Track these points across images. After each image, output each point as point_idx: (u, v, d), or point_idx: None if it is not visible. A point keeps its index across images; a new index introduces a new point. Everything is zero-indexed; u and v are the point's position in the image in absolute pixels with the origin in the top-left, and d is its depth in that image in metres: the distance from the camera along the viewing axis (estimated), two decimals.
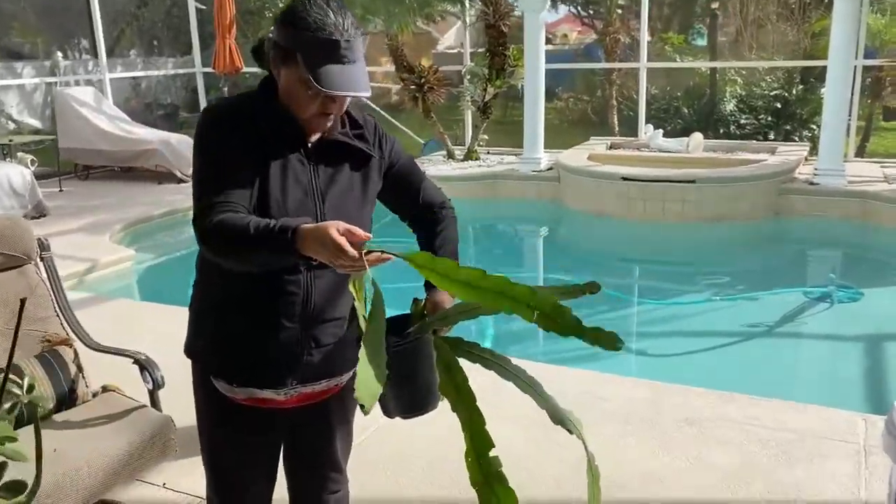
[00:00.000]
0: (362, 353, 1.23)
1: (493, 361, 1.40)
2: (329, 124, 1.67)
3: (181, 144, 9.36)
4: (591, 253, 7.72)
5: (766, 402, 3.44)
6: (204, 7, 11.45)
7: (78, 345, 2.75)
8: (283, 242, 1.42)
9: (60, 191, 9.09)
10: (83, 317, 2.99)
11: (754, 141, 10.70)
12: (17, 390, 1.13)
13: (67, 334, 2.75)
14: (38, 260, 2.79)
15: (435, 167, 9.27)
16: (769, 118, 12.52)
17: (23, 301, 0.89)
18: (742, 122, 12.66)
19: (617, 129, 13.98)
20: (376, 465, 2.96)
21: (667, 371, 4.55)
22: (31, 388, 1.11)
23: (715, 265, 7.02)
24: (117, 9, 13.10)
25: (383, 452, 3.02)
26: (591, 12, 17.66)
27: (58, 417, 2.51)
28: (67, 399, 2.57)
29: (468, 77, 9.92)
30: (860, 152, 10.49)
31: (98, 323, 3.79)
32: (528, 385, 1.37)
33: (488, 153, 10.25)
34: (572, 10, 17.95)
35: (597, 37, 17.04)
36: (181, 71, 13.22)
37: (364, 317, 1.52)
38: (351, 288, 1.45)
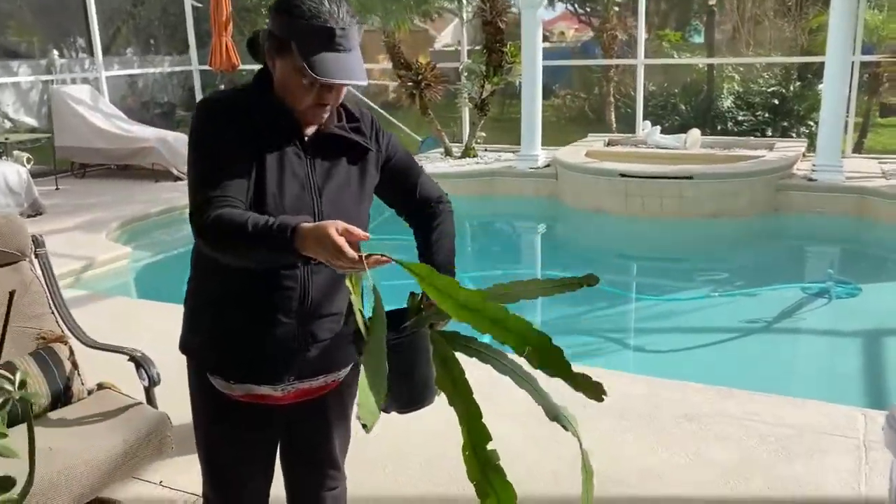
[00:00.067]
0: (362, 375, 1.22)
1: (489, 356, 1.38)
2: (325, 116, 1.65)
3: (178, 142, 9.33)
4: (589, 250, 7.71)
5: (766, 397, 3.43)
6: (200, 5, 11.42)
7: (73, 342, 2.74)
8: (282, 241, 1.40)
9: (57, 189, 9.07)
10: (80, 315, 2.98)
11: (752, 137, 10.70)
12: (8, 386, 1.12)
13: (62, 331, 2.73)
14: (33, 257, 2.77)
15: (432, 164, 9.26)
16: (766, 115, 12.53)
17: (11, 294, 0.87)
18: (739, 118, 12.67)
19: (614, 126, 13.98)
20: (374, 462, 2.94)
21: (665, 367, 4.54)
22: (22, 383, 1.09)
23: (713, 261, 7.02)
24: (113, 6, 13.05)
25: (381, 449, 3.00)
26: (588, 10, 17.64)
27: (53, 415, 2.49)
28: (63, 396, 2.55)
29: (465, 74, 9.91)
30: (858, 148, 10.49)
31: (95, 321, 3.77)
32: (525, 380, 1.35)
33: (486, 150, 10.24)
34: (569, 7, 17.93)
35: (594, 34, 17.02)
36: (178, 69, 13.19)
37: (360, 311, 1.50)
38: (347, 283, 1.43)
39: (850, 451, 2.97)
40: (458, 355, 1.39)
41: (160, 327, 3.50)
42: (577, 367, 3.78)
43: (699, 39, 16.94)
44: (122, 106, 11.44)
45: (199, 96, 12.05)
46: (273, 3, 1.60)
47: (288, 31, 1.55)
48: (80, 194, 8.82)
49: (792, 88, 12.82)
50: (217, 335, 1.74)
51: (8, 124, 11.21)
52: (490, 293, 1.42)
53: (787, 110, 12.51)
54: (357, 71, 1.55)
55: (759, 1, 14.62)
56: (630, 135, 9.91)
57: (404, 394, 1.42)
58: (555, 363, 1.20)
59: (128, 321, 4.66)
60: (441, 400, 1.39)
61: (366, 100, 12.08)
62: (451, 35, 19.23)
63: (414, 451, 3.03)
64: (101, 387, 2.69)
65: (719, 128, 12.41)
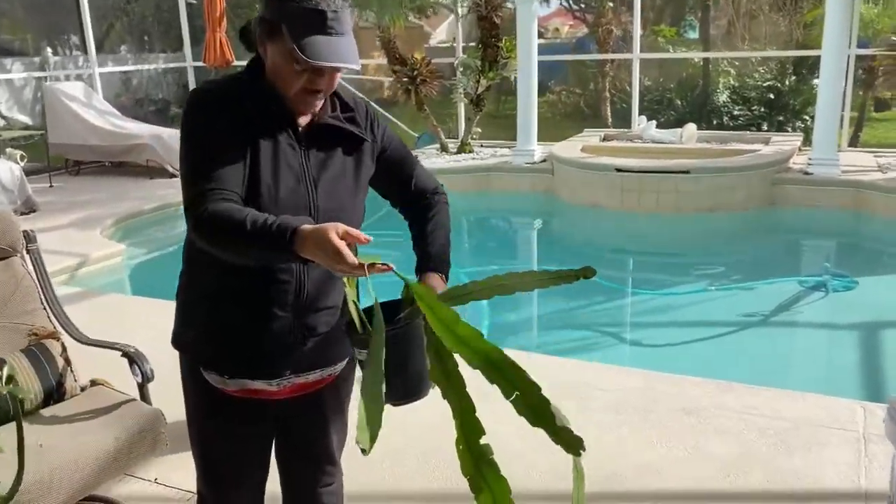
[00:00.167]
0: (361, 401, 1.22)
1: None
2: (318, 103, 1.62)
3: (172, 139, 9.29)
4: (586, 245, 7.69)
5: (764, 390, 3.42)
6: (194, 1, 11.37)
7: (66, 338, 2.71)
8: (281, 243, 1.37)
9: (51, 186, 9.03)
10: (74, 312, 2.95)
11: (748, 132, 10.69)
12: None
13: (55, 327, 2.70)
14: (25, 252, 2.74)
15: (428, 160, 9.23)
16: (762, 109, 12.52)
17: None
18: (735, 113, 12.65)
19: (610, 121, 13.96)
20: (371, 456, 2.91)
21: (662, 361, 4.53)
22: (9, 379, 1.07)
23: (710, 255, 7.01)
24: (106, 3, 13.00)
25: (377, 443, 2.97)
26: (583, 6, 17.61)
27: (45, 412, 2.47)
28: (55, 393, 2.52)
29: (461, 69, 9.88)
30: (854, 142, 10.48)
31: (89, 318, 3.75)
32: None
33: (482, 146, 10.22)
34: (564, 3, 17.89)
35: (589, 30, 16.99)
36: (171, 65, 13.14)
37: (355, 302, 1.48)
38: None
39: (850, 443, 2.95)
40: None
41: (155, 324, 3.47)
42: (574, 360, 3.76)
43: (694, 35, 16.93)
44: (117, 104, 11.39)
45: None
46: None
47: (279, 14, 1.52)
48: (74, 191, 8.78)
49: (787, 83, 12.81)
50: (211, 329, 1.71)
51: (1, 122, 11.15)
52: (486, 284, 1.41)
53: (783, 105, 12.50)
54: (349, 55, 1.52)
55: None
56: (626, 130, 9.88)
57: (399, 386, 1.40)
58: (539, 413, 1.20)
59: (122, 318, 4.63)
60: (436, 392, 1.37)
61: (361, 95, 12.04)
62: (447, 32, 19.19)
63: (410, 444, 3.01)
64: (94, 383, 2.67)
65: (715, 122, 12.40)
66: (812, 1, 12.86)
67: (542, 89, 12.70)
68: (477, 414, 1.24)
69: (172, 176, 8.98)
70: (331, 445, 1.93)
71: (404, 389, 1.42)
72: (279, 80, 1.57)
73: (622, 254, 7.28)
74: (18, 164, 7.76)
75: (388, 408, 1.32)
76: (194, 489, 1.95)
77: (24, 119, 11.43)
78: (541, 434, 1.20)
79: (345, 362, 1.83)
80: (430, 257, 1.74)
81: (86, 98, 10.01)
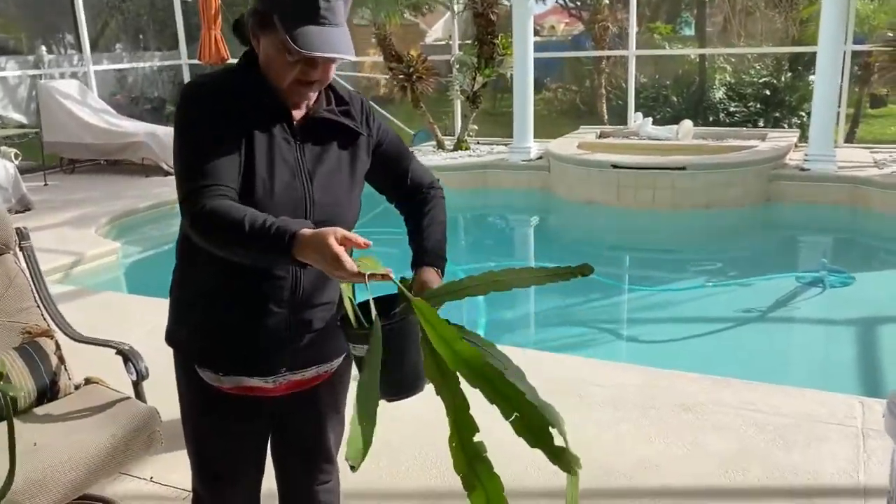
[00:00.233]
0: (355, 408, 1.21)
1: (477, 345, 1.34)
2: (312, 95, 1.60)
3: (167, 137, 9.24)
4: (582, 241, 7.68)
5: (762, 386, 3.41)
6: None
7: (59, 336, 2.69)
8: (280, 246, 1.35)
9: (45, 185, 9.00)
10: (69, 310, 2.93)
11: (744, 128, 10.69)
12: None
13: (48, 325, 2.68)
14: (17, 250, 2.72)
15: (425, 157, 9.21)
16: (758, 105, 12.53)
17: None
18: (731, 109, 12.66)
19: (606, 118, 13.94)
20: (368, 454, 2.90)
21: (660, 357, 4.52)
22: (0, 376, 1.05)
23: (706, 252, 7.00)
24: (102, 1, 12.96)
25: (373, 441, 2.96)
26: (579, 3, 17.59)
27: (38, 410, 2.44)
28: (48, 391, 2.50)
29: (457, 66, 9.86)
30: (849, 139, 10.48)
31: (84, 316, 3.73)
32: (513, 373, 1.31)
33: (478, 143, 10.21)
34: (559, 1, 17.88)
35: (584, 28, 16.98)
36: (167, 63, 13.10)
37: (350, 298, 1.46)
38: None
39: (848, 439, 2.94)
40: None
41: (150, 322, 3.46)
42: (571, 357, 3.75)
43: (690, 32, 16.93)
44: (112, 102, 11.36)
45: None
46: None
47: (271, 5, 1.50)
48: (69, 190, 8.75)
49: (783, 79, 12.82)
50: (206, 327, 1.69)
51: None
52: (482, 280, 1.39)
53: (779, 101, 12.50)
54: (343, 45, 1.50)
55: None
56: (622, 126, 9.87)
57: (394, 381, 1.38)
58: (538, 435, 1.20)
59: (117, 316, 4.61)
60: (431, 388, 1.36)
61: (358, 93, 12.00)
62: (442, 29, 19.18)
63: (407, 441, 3.00)
64: (88, 381, 2.64)
65: (711, 119, 12.39)
66: None
67: (539, 87, 12.68)
68: (471, 411, 1.23)
69: (168, 174, 8.94)
70: (327, 442, 1.91)
71: (399, 385, 1.41)
72: (272, 72, 1.55)
73: (618, 250, 7.28)
74: (13, 162, 7.73)
75: (383, 403, 1.31)
76: (190, 487, 1.93)
77: (19, 117, 11.38)
78: None
79: (341, 358, 1.81)
80: (426, 252, 1.73)
81: (80, 96, 9.97)
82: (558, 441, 1.22)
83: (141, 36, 14.16)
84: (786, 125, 11.80)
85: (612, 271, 6.41)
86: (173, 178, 1.58)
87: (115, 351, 2.62)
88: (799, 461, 2.81)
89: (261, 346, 1.66)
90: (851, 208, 7.30)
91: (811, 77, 10.49)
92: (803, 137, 9.14)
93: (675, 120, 9.90)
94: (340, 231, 1.33)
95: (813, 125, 7.88)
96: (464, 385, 1.24)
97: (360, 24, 10.91)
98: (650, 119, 9.34)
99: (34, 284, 2.73)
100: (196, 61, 9.74)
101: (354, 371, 1.52)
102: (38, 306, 2.71)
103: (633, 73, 9.95)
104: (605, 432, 3.08)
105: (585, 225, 8.04)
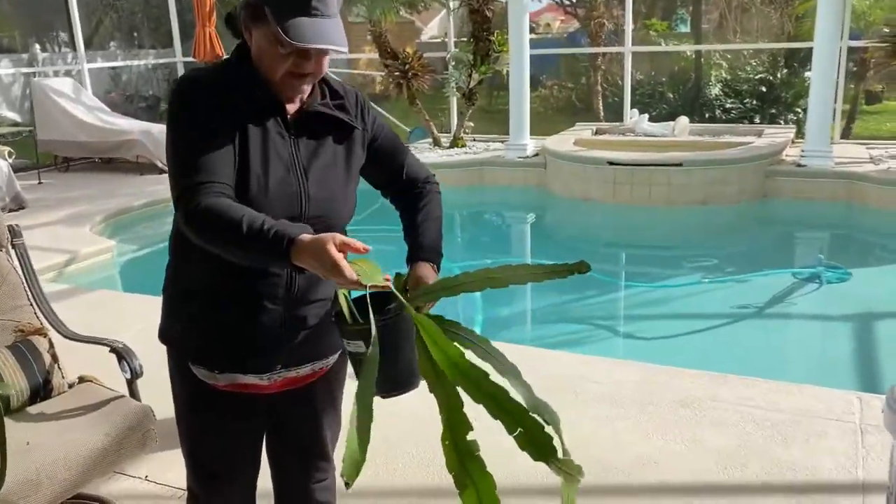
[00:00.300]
0: (351, 421, 1.20)
1: (472, 341, 1.33)
2: (305, 88, 1.58)
3: (162, 135, 9.00)
4: (579, 238, 7.67)
5: (760, 382, 3.40)
6: None
7: (53, 334, 2.66)
8: (278, 251, 1.34)
9: (40, 183, 8.96)
10: (63, 308, 2.91)
11: (740, 125, 10.68)
12: None
13: (42, 323, 2.66)
14: (10, 247, 2.70)
15: (421, 155, 9.19)
16: (754, 102, 12.53)
17: None
18: (727, 106, 12.65)
19: (602, 115, 13.95)
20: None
21: (657, 354, 4.51)
22: None
23: (703, 248, 6.99)
24: None
25: (370, 439, 2.94)
26: (574, 0, 17.56)
27: (32, 409, 2.42)
28: (42, 390, 2.48)
29: (453, 63, 9.84)
30: (846, 135, 10.50)
31: (79, 314, 3.71)
32: (507, 369, 1.30)
33: (474, 140, 10.19)
34: None
35: (580, 25, 16.96)
36: (161, 61, 13.06)
37: (345, 295, 1.44)
38: None
39: (847, 435, 2.93)
40: None
41: (145, 320, 3.42)
42: (569, 353, 3.73)
43: (685, 29, 16.92)
44: (107, 99, 11.32)
45: None
46: None
47: None
48: (63, 188, 8.71)
49: (779, 76, 12.82)
50: (200, 323, 1.67)
51: None
52: (478, 276, 1.38)
53: (775, 97, 12.50)
54: (335, 37, 1.48)
55: None
56: (618, 123, 9.86)
57: (389, 378, 1.36)
58: (542, 450, 1.20)
59: (112, 314, 4.59)
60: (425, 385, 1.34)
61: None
62: (438, 27, 19.16)
63: (403, 438, 2.98)
64: (82, 380, 2.62)
65: (707, 115, 12.39)
66: None
67: (534, 84, 12.67)
68: (466, 409, 1.22)
69: (162, 172, 8.90)
70: (324, 440, 1.90)
71: (394, 381, 1.39)
72: (265, 65, 1.53)
73: (615, 247, 7.27)
74: (7, 160, 7.68)
75: (378, 399, 1.29)
76: (185, 486, 1.91)
77: (13, 115, 11.35)
78: None
79: (337, 355, 1.80)
80: (422, 247, 1.71)
81: (74, 94, 9.92)
82: (554, 438, 1.21)
83: (135, 33, 14.11)
84: (782, 121, 11.80)
85: (608, 268, 6.40)
86: (167, 175, 1.56)
87: (108, 349, 2.60)
88: (797, 457, 2.80)
89: (256, 343, 1.64)
90: (848, 204, 7.30)
91: (807, 73, 10.48)
92: (799, 133, 9.15)
93: (672, 117, 9.90)
94: (339, 237, 1.31)
95: (809, 121, 7.87)
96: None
97: (356, 22, 10.89)
98: (646, 116, 9.33)
99: (27, 282, 2.70)
100: (191, 59, 9.71)
101: (350, 369, 1.51)
102: (31, 304, 2.68)
103: (629, 69, 9.94)
104: (603, 429, 3.07)
105: (582, 222, 8.02)
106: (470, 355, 1.28)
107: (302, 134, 1.61)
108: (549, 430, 1.23)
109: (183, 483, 1.94)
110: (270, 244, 1.35)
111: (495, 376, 1.28)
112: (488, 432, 1.26)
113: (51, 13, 12.23)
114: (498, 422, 1.21)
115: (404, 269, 1.65)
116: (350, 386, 1.54)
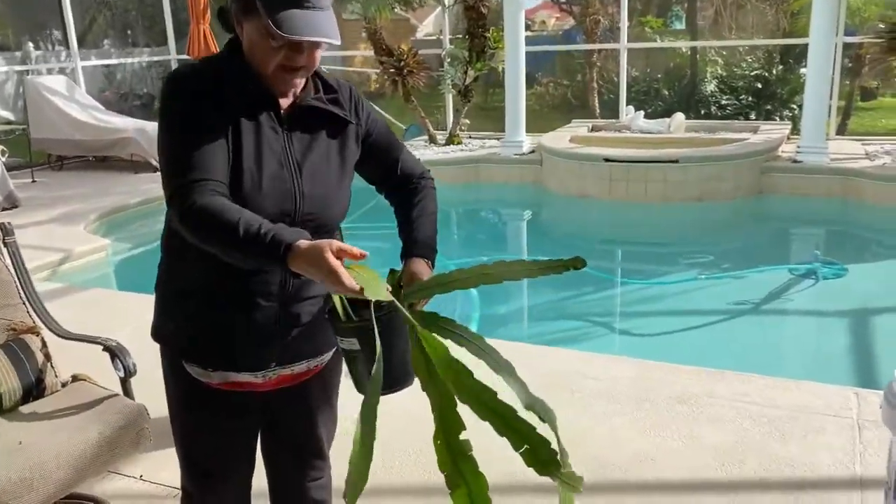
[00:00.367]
0: (355, 442, 1.20)
1: (466, 339, 1.31)
2: (297, 81, 1.56)
3: (156, 133, 9.17)
4: (575, 235, 7.66)
5: (757, 378, 3.39)
6: None
7: (45, 333, 2.64)
8: (274, 256, 1.33)
9: (33, 182, 8.93)
10: (57, 307, 2.89)
11: (736, 121, 10.68)
12: None
13: (34, 322, 2.63)
14: (1, 245, 2.68)
15: (417, 152, 9.15)
16: (750, 98, 12.53)
17: None
18: (723, 102, 12.66)
19: (598, 112, 13.94)
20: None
21: (654, 350, 4.50)
22: None
23: (699, 244, 6.98)
24: None
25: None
26: None
27: (24, 409, 2.40)
28: (35, 389, 2.45)
29: (448, 60, 9.82)
30: (841, 131, 10.49)
31: (72, 313, 3.69)
32: (501, 367, 1.29)
33: (470, 137, 10.17)
34: None
35: (575, 23, 16.95)
36: (155, 58, 13.02)
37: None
38: None
39: (844, 430, 2.93)
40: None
41: (140, 318, 3.40)
42: (566, 350, 3.71)
43: (681, 25, 16.91)
44: (101, 98, 11.28)
45: None
46: None
47: None
48: (57, 186, 8.67)
49: (775, 72, 12.83)
50: (194, 321, 1.65)
51: None
52: (472, 273, 1.37)
53: (771, 94, 12.52)
54: (327, 29, 1.46)
55: None
56: (614, 120, 9.85)
57: (384, 374, 1.35)
58: (547, 466, 1.20)
59: (106, 313, 4.56)
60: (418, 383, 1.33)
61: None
62: (433, 24, 19.11)
63: (397, 437, 2.96)
64: (75, 379, 2.60)
65: (703, 112, 12.40)
66: None
67: (530, 81, 12.65)
68: (458, 409, 1.21)
69: (157, 170, 8.80)
70: (319, 439, 1.88)
71: (388, 379, 1.37)
72: (257, 59, 1.52)
73: (611, 244, 7.26)
74: (0, 158, 7.65)
75: None
76: (180, 485, 1.89)
77: (6, 114, 11.31)
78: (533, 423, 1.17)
79: (331, 353, 1.78)
80: (416, 243, 1.69)
81: (68, 92, 9.88)
82: (551, 437, 1.20)
83: (129, 31, 14.08)
84: (777, 118, 11.82)
85: (604, 265, 6.39)
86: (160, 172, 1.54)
87: (102, 347, 2.58)
88: (795, 453, 2.80)
89: (250, 341, 1.63)
90: (844, 200, 7.30)
91: (802, 69, 10.48)
92: (795, 130, 9.14)
93: (667, 113, 9.89)
94: (336, 243, 1.30)
95: (805, 117, 7.87)
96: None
97: (350, 19, 10.86)
98: (642, 112, 9.33)
99: (19, 281, 2.68)
100: (185, 57, 9.67)
101: (345, 368, 1.49)
102: (24, 303, 2.66)
103: (624, 66, 9.93)
104: (600, 426, 3.06)
105: (578, 219, 8.01)
106: (465, 354, 1.27)
107: (295, 128, 1.59)
108: (545, 427, 1.22)
109: (177, 482, 1.92)
110: (267, 249, 1.33)
111: (492, 375, 1.26)
112: (481, 432, 1.24)
113: (44, 11, 12.19)
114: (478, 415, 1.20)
115: (399, 266, 1.63)
116: (346, 384, 1.52)
